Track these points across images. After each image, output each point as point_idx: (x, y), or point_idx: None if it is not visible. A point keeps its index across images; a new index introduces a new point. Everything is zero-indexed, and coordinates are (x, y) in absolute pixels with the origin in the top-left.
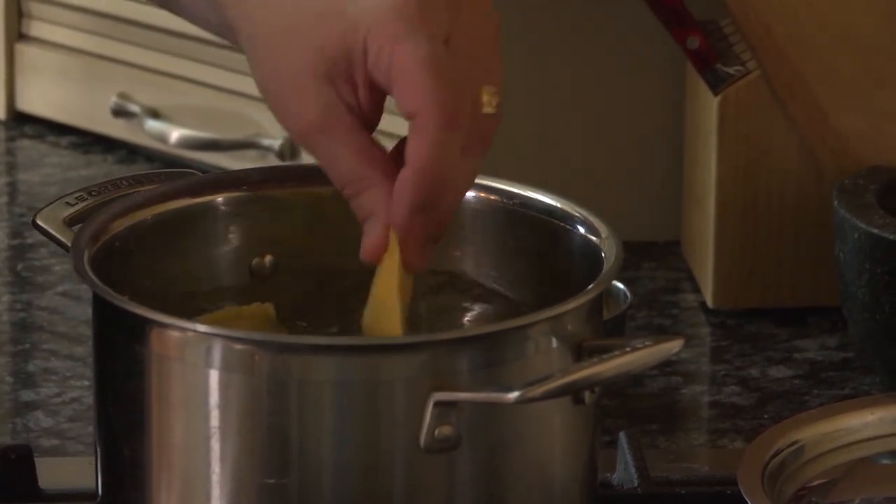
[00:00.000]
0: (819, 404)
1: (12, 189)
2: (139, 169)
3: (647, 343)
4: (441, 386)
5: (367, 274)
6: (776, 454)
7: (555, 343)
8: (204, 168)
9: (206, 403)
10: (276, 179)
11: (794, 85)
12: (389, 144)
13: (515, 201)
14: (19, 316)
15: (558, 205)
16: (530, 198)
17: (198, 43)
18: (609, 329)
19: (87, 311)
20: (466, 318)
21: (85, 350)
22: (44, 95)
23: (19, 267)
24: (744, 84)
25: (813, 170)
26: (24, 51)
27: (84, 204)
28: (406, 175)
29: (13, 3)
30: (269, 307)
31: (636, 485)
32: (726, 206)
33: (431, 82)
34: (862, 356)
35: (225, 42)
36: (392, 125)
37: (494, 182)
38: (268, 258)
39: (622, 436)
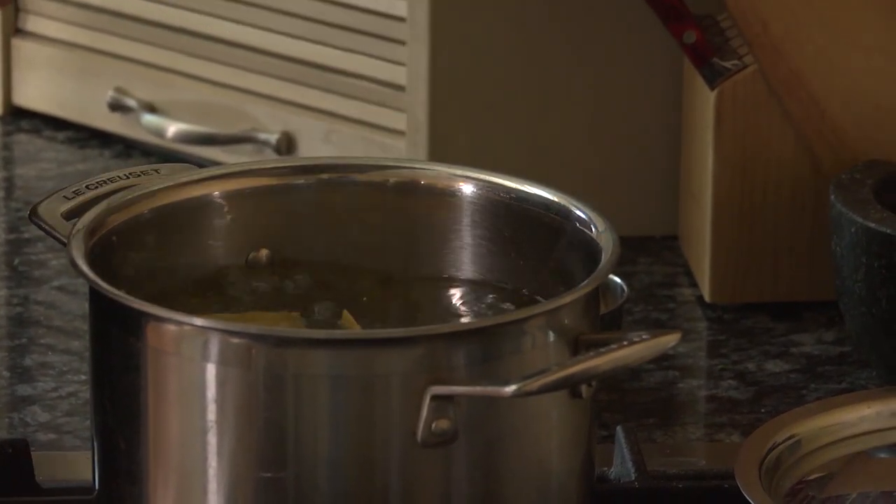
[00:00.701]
0: (816, 398)
1: (9, 184)
2: (136, 163)
3: (643, 337)
4: (438, 380)
5: (363, 267)
6: (773, 448)
7: (551, 337)
8: (201, 162)
9: (202, 397)
10: (273, 173)
11: (790, 80)
12: (388, 143)
13: (512, 195)
14: (16, 310)
15: (555, 199)
16: (527, 192)
17: (194, 38)
18: (606, 323)
19: (83, 306)
20: (463, 312)
21: (82, 345)
22: (40, 90)
23: (16, 261)
24: (740, 79)
25: (810, 164)
26: (21, 46)
27: (81, 198)
28: None
29: None
30: (296, 316)
31: (633, 479)
32: (723, 201)
33: None
34: (858, 350)
35: (222, 36)
36: (391, 119)
37: (492, 176)
38: (264, 252)
39: (619, 430)
